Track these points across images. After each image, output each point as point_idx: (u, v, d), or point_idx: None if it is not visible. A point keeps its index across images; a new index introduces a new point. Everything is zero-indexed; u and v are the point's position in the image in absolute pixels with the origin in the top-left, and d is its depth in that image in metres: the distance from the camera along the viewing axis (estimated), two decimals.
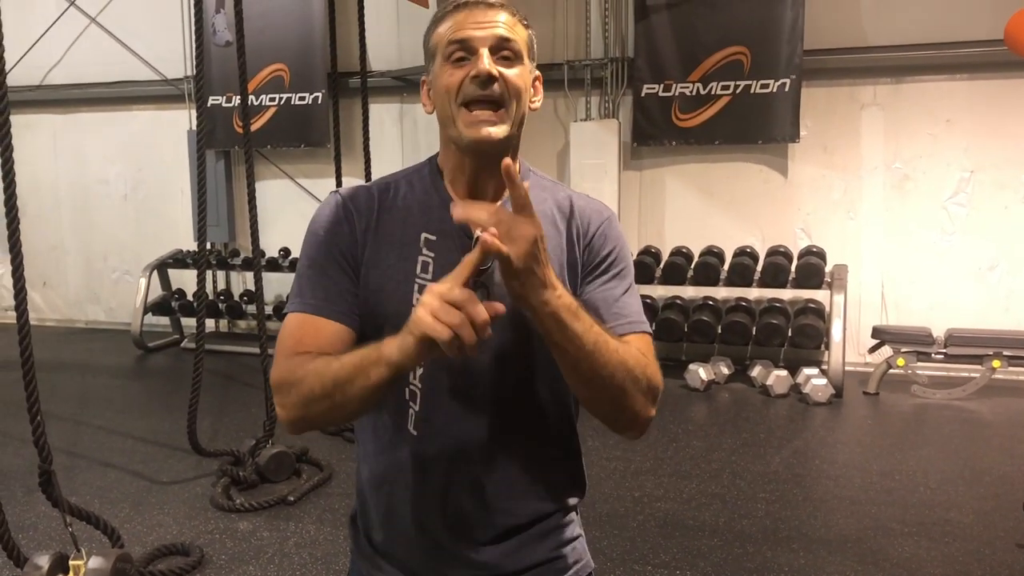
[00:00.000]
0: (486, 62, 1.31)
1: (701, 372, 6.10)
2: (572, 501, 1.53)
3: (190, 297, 7.77)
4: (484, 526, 1.44)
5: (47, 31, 8.26)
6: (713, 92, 6.67)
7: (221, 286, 8.30)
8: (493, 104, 1.33)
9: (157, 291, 7.90)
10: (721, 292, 6.71)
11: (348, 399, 1.25)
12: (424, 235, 1.40)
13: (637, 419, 1.35)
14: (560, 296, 1.23)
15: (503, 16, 1.36)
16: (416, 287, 1.37)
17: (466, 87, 1.32)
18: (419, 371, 1.39)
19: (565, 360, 1.28)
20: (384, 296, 1.38)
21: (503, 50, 1.34)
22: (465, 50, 1.33)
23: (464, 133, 1.34)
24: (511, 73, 1.34)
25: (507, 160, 1.17)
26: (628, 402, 1.32)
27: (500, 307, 1.16)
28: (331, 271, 1.40)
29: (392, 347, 1.20)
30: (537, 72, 1.44)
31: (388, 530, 1.49)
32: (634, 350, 1.34)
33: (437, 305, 1.14)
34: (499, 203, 1.40)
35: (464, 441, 1.41)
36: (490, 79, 1.31)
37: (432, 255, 1.39)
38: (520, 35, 1.37)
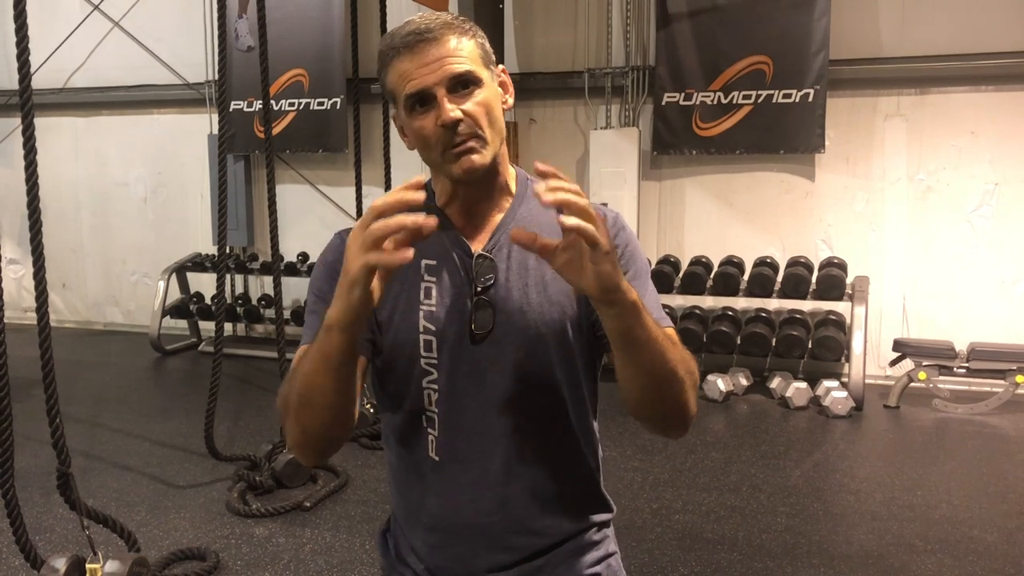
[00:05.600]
0: (447, 110, 1.30)
1: (720, 383, 6.05)
2: (602, 518, 1.51)
3: (208, 301, 7.79)
4: (513, 547, 1.42)
5: (71, 35, 8.32)
6: (735, 101, 6.62)
7: (239, 290, 8.31)
8: (469, 139, 1.32)
9: (175, 294, 7.92)
10: (740, 302, 6.65)
11: (320, 393, 1.23)
12: (424, 261, 1.39)
13: (690, 414, 1.33)
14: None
15: (451, 42, 1.32)
16: (421, 314, 1.37)
17: (439, 135, 1.32)
18: (435, 396, 1.38)
19: (641, 357, 1.23)
20: (392, 327, 1.39)
21: (460, 84, 1.32)
22: (423, 98, 1.32)
23: (452, 171, 1.34)
24: (475, 103, 1.32)
25: (514, 231, 1.14)
26: (686, 396, 1.30)
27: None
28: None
29: (333, 309, 1.18)
30: (500, 67, 1.42)
31: (420, 553, 1.48)
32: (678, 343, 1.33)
33: (359, 239, 1.11)
34: (496, 224, 1.41)
35: (488, 462, 1.40)
36: (456, 124, 1.30)
37: (433, 279, 1.38)
38: (472, 55, 1.34)
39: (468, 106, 1.31)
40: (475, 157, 1.32)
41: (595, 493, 1.51)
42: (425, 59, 1.30)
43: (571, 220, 1.09)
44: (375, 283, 1.13)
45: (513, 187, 1.45)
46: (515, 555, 1.42)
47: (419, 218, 1.09)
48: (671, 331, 1.36)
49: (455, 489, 1.41)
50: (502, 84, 1.41)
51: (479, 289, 1.37)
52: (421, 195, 1.11)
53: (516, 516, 1.41)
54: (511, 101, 1.43)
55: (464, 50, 1.33)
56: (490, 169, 1.36)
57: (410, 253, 1.10)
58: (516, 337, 1.37)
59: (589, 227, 1.09)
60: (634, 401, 1.31)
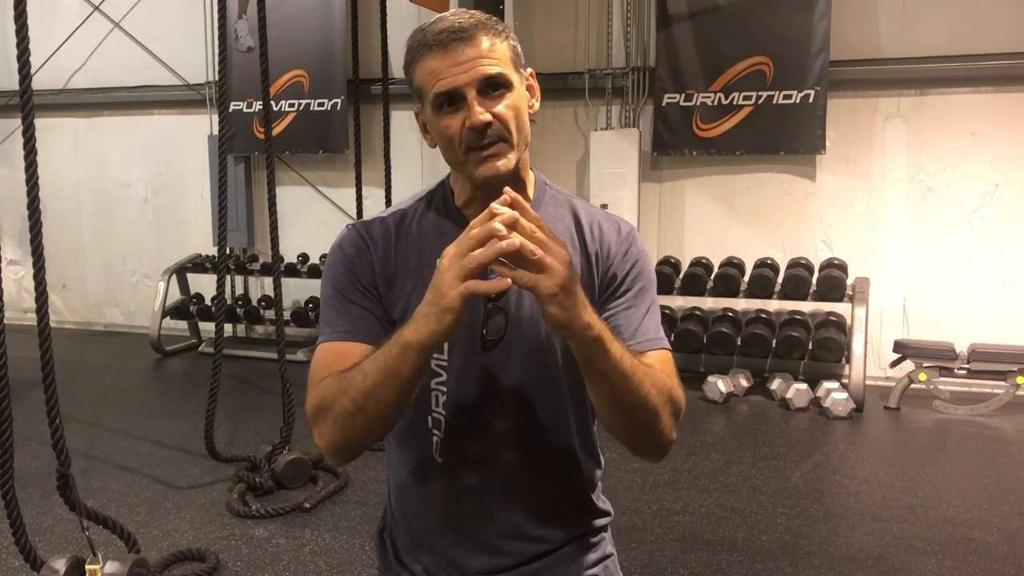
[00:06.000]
0: (477, 112, 1.28)
1: (720, 384, 6.05)
2: (601, 523, 1.52)
3: (208, 301, 7.78)
4: (514, 550, 1.42)
5: (71, 36, 8.32)
6: (735, 102, 6.62)
7: (239, 291, 8.31)
8: (496, 143, 1.31)
9: (175, 295, 7.92)
10: (741, 304, 6.65)
11: (382, 405, 1.21)
12: (440, 262, 1.38)
13: (664, 442, 1.33)
14: (597, 319, 1.20)
15: (484, 43, 1.30)
16: None
17: (466, 136, 1.30)
18: (442, 398, 1.38)
19: (604, 387, 1.24)
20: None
21: (491, 87, 1.30)
22: (453, 100, 1.30)
23: (476, 173, 1.32)
24: (504, 107, 1.31)
25: (507, 195, 1.15)
26: (659, 426, 1.30)
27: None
28: (355, 297, 1.38)
29: (417, 332, 1.17)
30: (529, 71, 1.40)
31: (417, 554, 1.48)
32: (659, 371, 1.32)
33: (456, 267, 1.13)
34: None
35: (490, 467, 1.40)
36: (486, 126, 1.29)
37: None
38: (503, 56, 1.32)
39: (498, 109, 1.30)
40: (500, 163, 1.31)
41: (595, 499, 1.51)
42: (458, 58, 1.29)
43: (505, 272, 1.12)
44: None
45: (531, 192, 1.44)
46: (513, 559, 1.42)
47: (515, 242, 1.10)
48: (660, 354, 1.36)
49: (457, 492, 1.41)
50: (530, 88, 1.40)
51: (493, 295, 1.36)
52: (514, 213, 1.12)
53: (516, 520, 1.41)
54: (537, 105, 1.42)
55: (497, 52, 1.31)
56: (512, 174, 1.34)
57: (509, 282, 1.12)
58: (525, 344, 1.36)
59: (523, 279, 1.11)
60: (604, 423, 1.33)
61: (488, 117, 1.28)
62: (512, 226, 1.12)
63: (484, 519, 1.40)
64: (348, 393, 1.23)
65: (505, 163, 1.31)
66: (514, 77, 1.33)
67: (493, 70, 1.30)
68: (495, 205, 1.14)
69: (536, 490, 1.42)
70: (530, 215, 1.14)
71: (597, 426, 1.49)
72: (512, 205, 1.14)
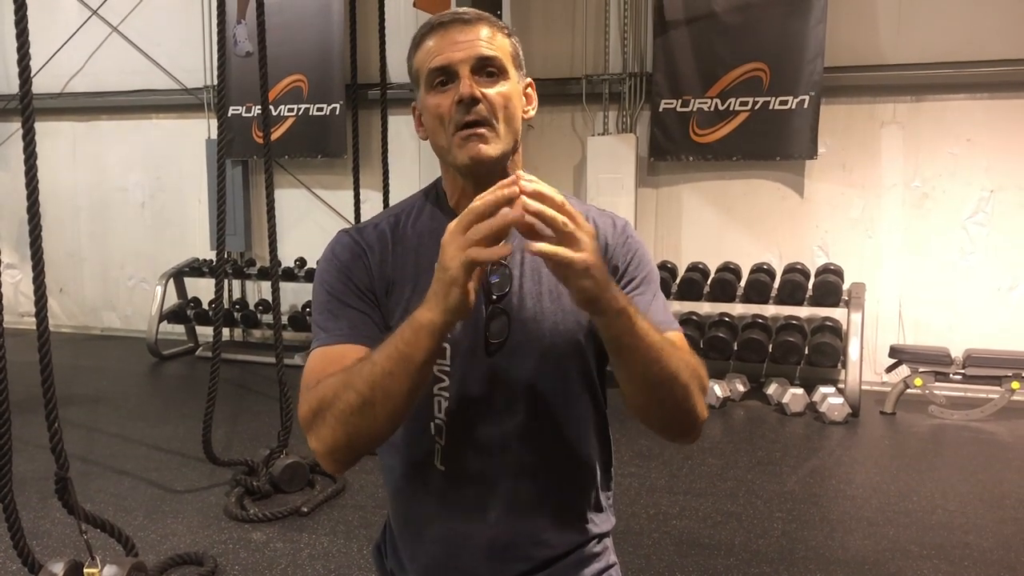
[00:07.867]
0: (468, 85, 1.29)
1: (716, 389, 6.06)
2: (605, 529, 1.50)
3: (205, 306, 7.79)
4: (518, 558, 1.40)
5: (69, 39, 8.33)
6: (731, 108, 6.65)
7: (237, 295, 8.32)
8: (482, 124, 1.30)
9: (173, 299, 7.92)
10: (737, 309, 6.67)
11: (391, 398, 1.16)
12: (437, 264, 1.37)
13: (697, 419, 1.30)
14: (622, 292, 1.19)
15: (484, 31, 1.32)
16: None
17: (453, 113, 1.30)
18: (445, 405, 1.35)
19: (634, 363, 1.21)
20: None
21: (486, 68, 1.31)
22: (447, 75, 1.31)
23: (458, 156, 1.31)
24: (496, 91, 1.31)
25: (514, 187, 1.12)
26: (692, 402, 1.27)
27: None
28: (351, 301, 1.35)
29: (428, 311, 1.14)
30: (528, 79, 1.42)
31: (419, 566, 1.45)
32: (681, 348, 1.31)
33: (458, 239, 1.10)
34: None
35: (493, 474, 1.37)
36: (473, 101, 1.29)
37: None
38: (503, 48, 1.34)
39: (489, 91, 1.30)
40: (483, 146, 1.29)
41: (602, 502, 1.49)
42: (456, 38, 1.31)
43: (536, 247, 1.09)
44: (470, 285, 1.12)
45: None
46: (519, 566, 1.40)
47: (518, 213, 1.08)
48: (677, 335, 1.34)
49: (460, 500, 1.38)
50: (527, 95, 1.40)
51: (494, 297, 1.34)
52: (516, 190, 1.10)
53: (522, 527, 1.39)
54: (532, 112, 1.42)
55: (497, 41, 1.33)
56: (500, 165, 1.33)
57: (509, 248, 1.10)
58: (529, 347, 1.34)
59: (556, 252, 1.09)
60: (636, 407, 1.29)
61: (478, 92, 1.29)
62: (533, 197, 1.09)
63: (490, 526, 1.38)
64: (353, 386, 1.18)
65: (488, 148, 1.30)
66: (511, 70, 1.34)
67: (489, 52, 1.31)
68: (503, 182, 1.11)
69: (544, 494, 1.39)
70: (556, 198, 1.11)
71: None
72: (536, 195, 1.11)
